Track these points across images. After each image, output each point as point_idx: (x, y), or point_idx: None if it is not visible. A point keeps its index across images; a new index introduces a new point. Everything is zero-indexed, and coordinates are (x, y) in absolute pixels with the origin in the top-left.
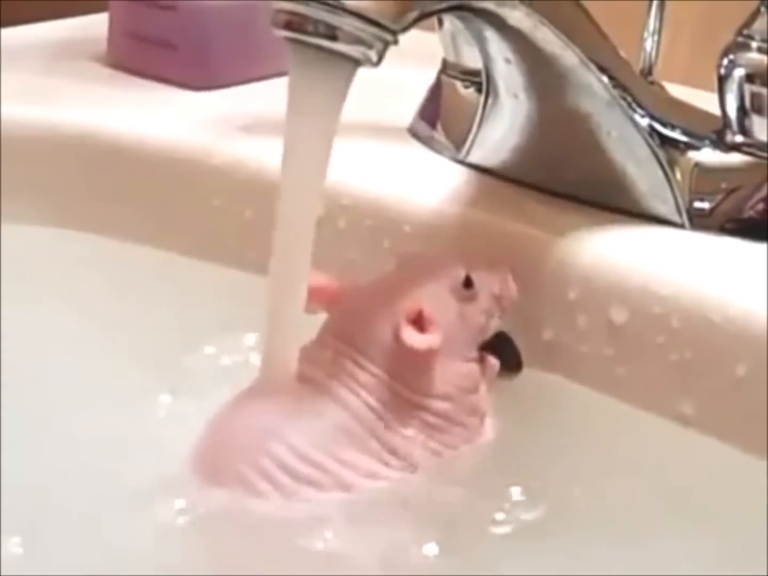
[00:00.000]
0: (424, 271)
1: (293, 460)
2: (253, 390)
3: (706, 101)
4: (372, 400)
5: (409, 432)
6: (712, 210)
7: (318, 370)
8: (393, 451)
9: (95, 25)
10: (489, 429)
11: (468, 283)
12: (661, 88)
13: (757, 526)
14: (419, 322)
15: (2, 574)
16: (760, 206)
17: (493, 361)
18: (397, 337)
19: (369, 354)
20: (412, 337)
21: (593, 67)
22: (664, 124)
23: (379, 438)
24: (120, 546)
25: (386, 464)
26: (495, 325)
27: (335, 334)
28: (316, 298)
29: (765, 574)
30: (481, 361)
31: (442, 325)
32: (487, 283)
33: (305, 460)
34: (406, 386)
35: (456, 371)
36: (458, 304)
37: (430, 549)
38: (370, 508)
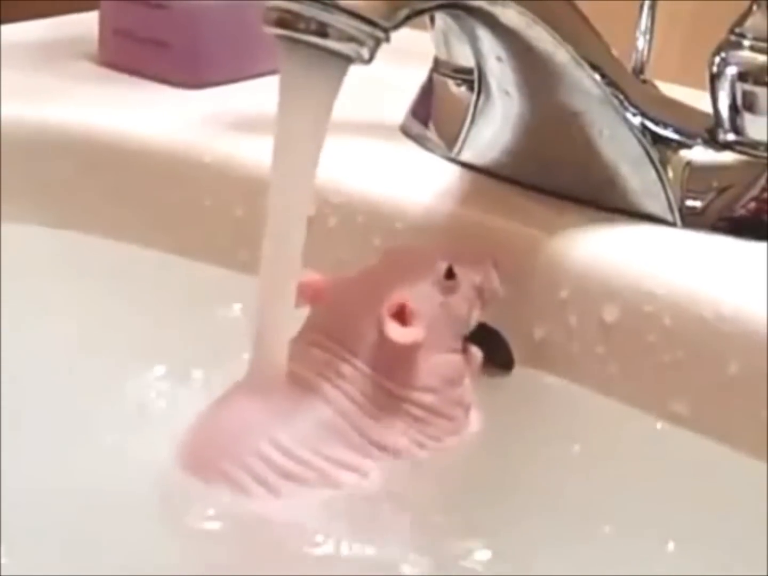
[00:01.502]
0: (406, 264)
1: (279, 457)
2: (240, 387)
3: (698, 99)
4: (357, 395)
5: (395, 426)
6: (704, 208)
7: (302, 366)
8: (379, 446)
9: (86, 23)
10: (474, 421)
11: (450, 274)
12: (653, 86)
13: (753, 525)
14: (402, 316)
15: (2, 574)
16: (752, 205)
17: (477, 352)
18: (380, 332)
19: (353, 349)
20: (395, 331)
21: (585, 65)
22: (656, 123)
23: (364, 433)
24: (109, 546)
25: (372, 459)
26: (477, 317)
27: (319, 329)
28: (302, 293)
29: (763, 574)
30: (465, 352)
31: (425, 317)
32: (469, 274)
33: (291, 457)
34: (391, 380)
35: (440, 363)
36: (441, 295)
37: (419, 549)
38: (357, 507)
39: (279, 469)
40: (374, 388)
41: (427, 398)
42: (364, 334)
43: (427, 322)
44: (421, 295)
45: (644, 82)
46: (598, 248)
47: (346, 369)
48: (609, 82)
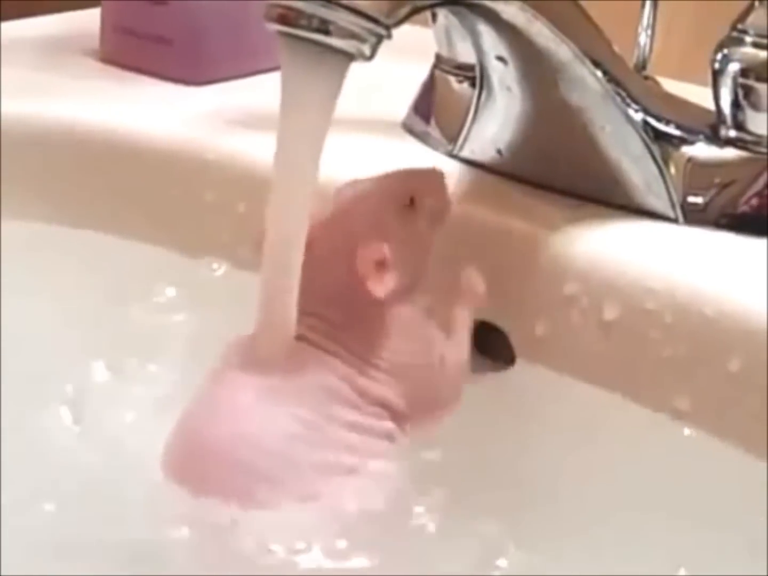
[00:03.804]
0: (367, 203)
1: (295, 439)
2: (239, 373)
3: (700, 96)
4: (343, 353)
5: (383, 377)
6: (706, 205)
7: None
8: (374, 401)
9: (87, 20)
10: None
11: (412, 202)
12: (655, 82)
13: (754, 521)
14: (380, 267)
15: (2, 573)
16: (755, 201)
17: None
18: (360, 286)
19: (333, 308)
20: (379, 288)
21: (587, 61)
22: (658, 119)
23: (359, 389)
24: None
25: (370, 415)
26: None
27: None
28: None
29: (765, 573)
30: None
31: (399, 257)
32: (422, 195)
33: (307, 432)
34: (372, 331)
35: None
36: (407, 225)
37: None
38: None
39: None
40: (357, 343)
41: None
42: (343, 288)
43: (401, 260)
44: (391, 232)
45: (646, 78)
46: (600, 245)
47: (330, 330)
48: (611, 78)
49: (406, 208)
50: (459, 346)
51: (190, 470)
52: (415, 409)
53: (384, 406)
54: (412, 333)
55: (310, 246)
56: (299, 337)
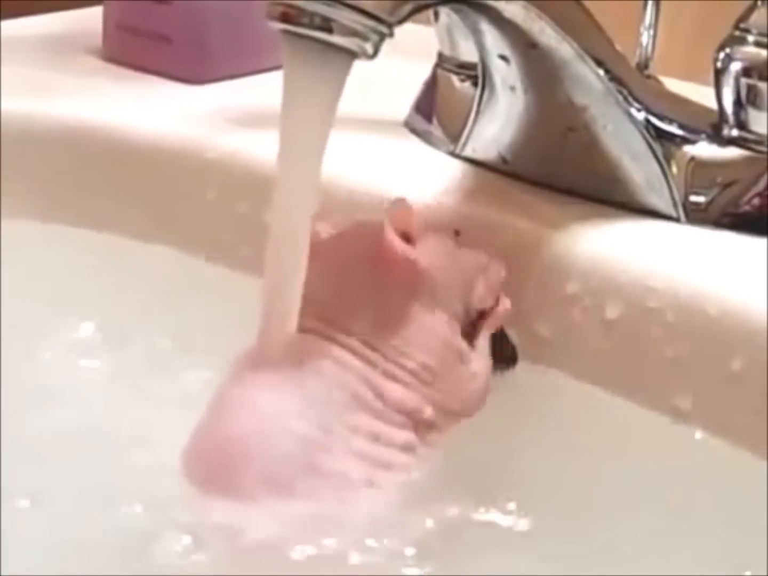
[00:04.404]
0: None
1: (303, 429)
2: (249, 376)
3: (702, 95)
4: (365, 351)
5: (408, 378)
6: (708, 204)
7: (310, 325)
8: (393, 405)
9: (90, 18)
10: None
11: (458, 233)
12: (658, 81)
13: (755, 521)
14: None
15: (2, 573)
16: (756, 200)
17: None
18: (378, 254)
19: (354, 306)
20: (395, 241)
21: (589, 60)
22: (660, 118)
23: (382, 396)
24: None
25: (390, 422)
26: (482, 297)
27: (317, 294)
28: None
29: (765, 573)
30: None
31: (430, 253)
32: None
33: (316, 426)
34: (393, 333)
35: (430, 330)
36: (450, 243)
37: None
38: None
39: (303, 439)
40: (381, 343)
41: (422, 357)
42: (365, 285)
43: (433, 263)
44: (429, 238)
45: (648, 77)
46: (602, 244)
47: (348, 340)
48: (613, 77)
49: (452, 233)
50: (484, 355)
51: (202, 471)
52: (442, 418)
53: (407, 413)
54: (440, 339)
55: (334, 253)
56: (316, 333)
